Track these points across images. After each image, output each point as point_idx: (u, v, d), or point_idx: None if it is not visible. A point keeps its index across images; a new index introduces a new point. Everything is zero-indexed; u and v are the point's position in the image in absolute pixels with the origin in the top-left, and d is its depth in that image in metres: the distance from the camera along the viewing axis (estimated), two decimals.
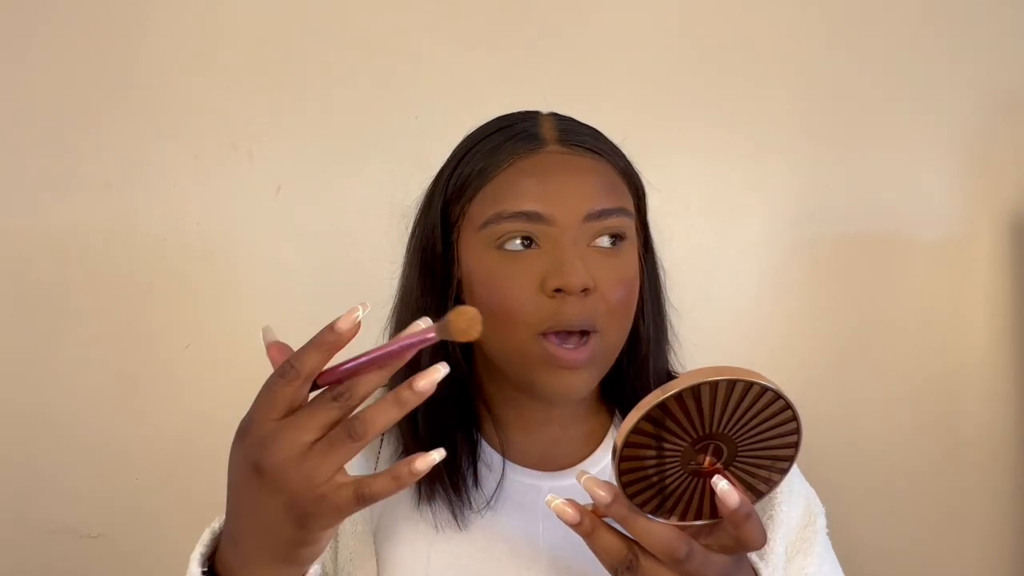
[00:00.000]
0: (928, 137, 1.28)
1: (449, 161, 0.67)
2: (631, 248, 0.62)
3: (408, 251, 0.70)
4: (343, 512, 0.43)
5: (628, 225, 0.62)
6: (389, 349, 0.43)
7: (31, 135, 1.16)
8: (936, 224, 1.28)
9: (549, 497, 0.48)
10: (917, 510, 1.31)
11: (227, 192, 1.19)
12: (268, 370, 0.43)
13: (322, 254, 1.20)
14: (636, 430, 0.45)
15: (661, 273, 0.71)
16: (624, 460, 0.46)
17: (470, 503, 0.64)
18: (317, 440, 0.41)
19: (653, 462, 0.46)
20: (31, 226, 1.16)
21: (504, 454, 0.67)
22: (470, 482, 0.65)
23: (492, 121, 0.67)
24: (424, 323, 0.43)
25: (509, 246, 0.59)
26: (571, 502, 0.47)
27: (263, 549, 0.45)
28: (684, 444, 0.46)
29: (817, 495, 0.72)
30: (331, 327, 0.42)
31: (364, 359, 0.43)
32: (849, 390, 1.27)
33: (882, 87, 1.26)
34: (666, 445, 0.46)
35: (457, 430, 0.65)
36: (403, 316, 0.69)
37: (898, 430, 1.29)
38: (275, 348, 0.45)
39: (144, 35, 1.17)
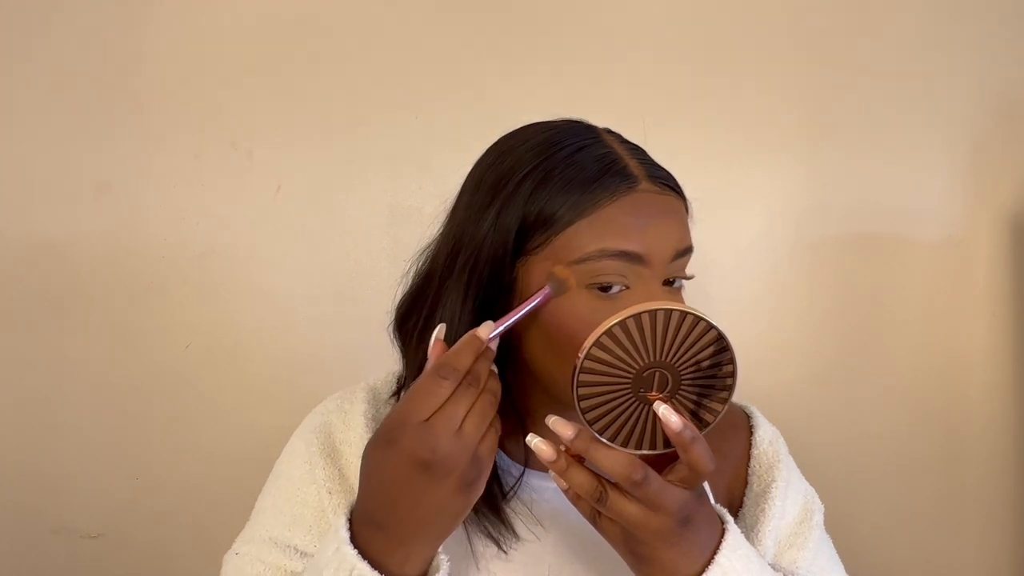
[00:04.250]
0: (928, 137, 1.27)
1: (515, 179, 0.59)
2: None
3: (444, 260, 0.62)
4: (494, 453, 0.51)
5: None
6: (522, 313, 0.53)
7: (31, 135, 1.16)
8: (936, 224, 1.28)
9: (529, 437, 0.52)
10: (917, 509, 1.31)
11: (227, 192, 1.19)
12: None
13: (322, 254, 1.20)
14: (589, 356, 0.49)
15: None
16: (582, 386, 0.50)
17: (512, 528, 0.63)
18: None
19: (607, 389, 0.50)
20: (31, 226, 1.16)
21: (526, 463, 0.67)
22: (499, 499, 0.64)
23: (553, 138, 0.61)
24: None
25: (604, 284, 0.56)
26: (548, 441, 0.51)
27: (426, 530, 0.50)
28: (632, 371, 0.50)
29: (817, 493, 0.73)
30: (474, 334, 0.51)
31: (502, 326, 0.52)
32: (849, 389, 1.27)
33: (882, 87, 1.26)
34: (617, 373, 0.50)
35: None
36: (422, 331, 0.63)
37: (898, 429, 1.29)
38: (439, 345, 0.52)
39: (144, 35, 1.17)
